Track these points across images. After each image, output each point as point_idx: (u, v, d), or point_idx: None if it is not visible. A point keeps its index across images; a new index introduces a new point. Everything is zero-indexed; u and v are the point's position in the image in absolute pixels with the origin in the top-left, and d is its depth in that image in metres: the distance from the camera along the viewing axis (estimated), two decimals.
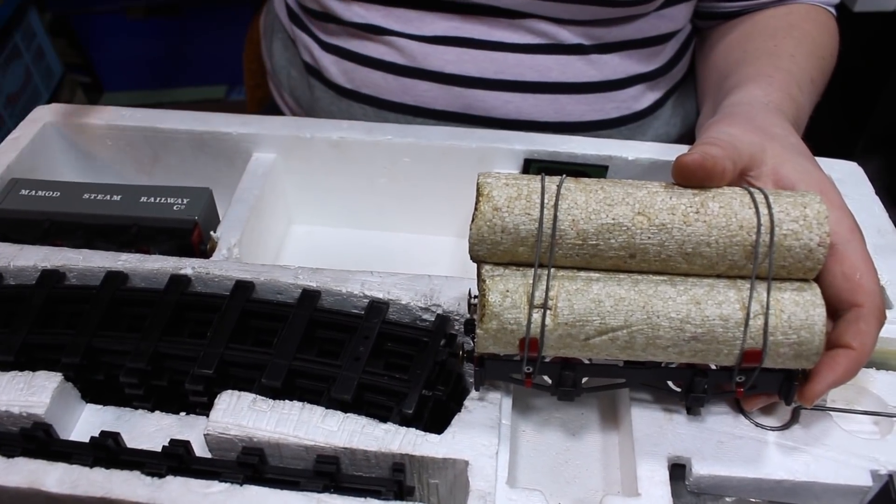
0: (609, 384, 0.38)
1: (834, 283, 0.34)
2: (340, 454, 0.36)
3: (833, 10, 0.59)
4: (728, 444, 0.37)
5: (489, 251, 0.34)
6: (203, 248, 0.49)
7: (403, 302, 0.42)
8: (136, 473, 0.35)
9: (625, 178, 0.36)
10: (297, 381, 0.39)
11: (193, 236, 0.49)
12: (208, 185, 0.53)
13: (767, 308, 0.33)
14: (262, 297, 0.43)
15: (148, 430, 0.40)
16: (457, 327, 0.42)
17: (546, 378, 0.37)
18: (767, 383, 0.35)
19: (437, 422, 0.38)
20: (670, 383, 0.37)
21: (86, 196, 0.51)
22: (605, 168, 0.53)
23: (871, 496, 0.36)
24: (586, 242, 0.33)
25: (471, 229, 0.34)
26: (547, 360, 0.35)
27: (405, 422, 0.37)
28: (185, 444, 0.36)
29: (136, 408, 0.41)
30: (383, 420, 0.37)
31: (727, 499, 0.36)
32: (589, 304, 0.33)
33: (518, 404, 0.42)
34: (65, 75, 1.88)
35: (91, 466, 0.35)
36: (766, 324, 0.32)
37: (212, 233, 0.49)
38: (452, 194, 0.55)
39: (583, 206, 0.33)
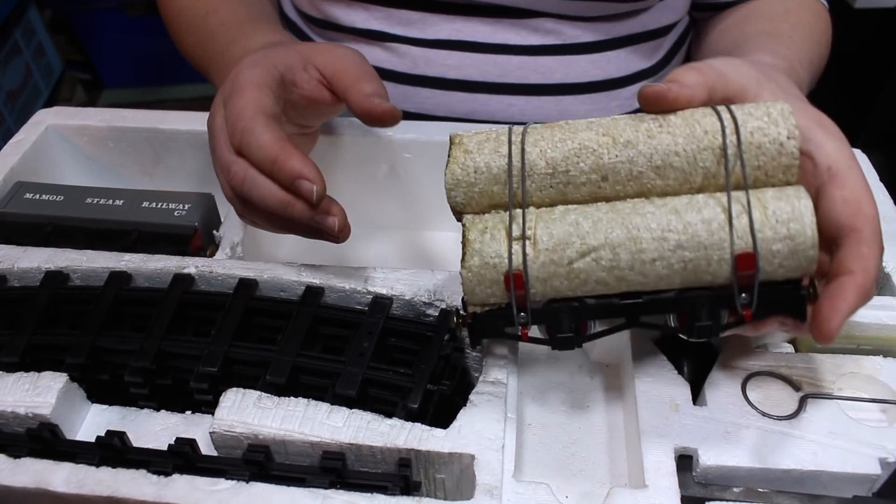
0: (609, 329, 0.36)
1: (833, 208, 0.33)
2: (346, 450, 0.36)
3: (825, 2, 0.59)
4: (734, 434, 0.37)
5: (466, 195, 0.35)
6: (203, 255, 0.49)
7: (407, 297, 0.42)
8: (143, 472, 0.35)
9: None
10: (301, 378, 0.39)
11: (193, 242, 0.49)
12: (210, 184, 0.53)
13: (749, 204, 0.32)
14: (265, 295, 0.43)
15: (153, 428, 0.40)
16: None
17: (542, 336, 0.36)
18: (775, 303, 0.33)
19: (442, 416, 0.38)
20: (671, 321, 0.35)
21: (88, 200, 0.51)
22: None
23: (880, 484, 0.36)
24: (556, 170, 0.34)
25: (445, 175, 0.35)
26: (538, 302, 0.34)
27: (410, 417, 0.37)
28: (191, 443, 0.36)
29: (142, 407, 0.41)
30: (388, 415, 0.37)
31: (734, 489, 0.36)
32: (567, 227, 0.33)
33: (523, 398, 0.42)
34: (65, 72, 1.88)
35: (97, 466, 0.35)
36: (750, 217, 0.32)
37: (214, 231, 0.49)
38: None
39: (549, 137, 0.34)
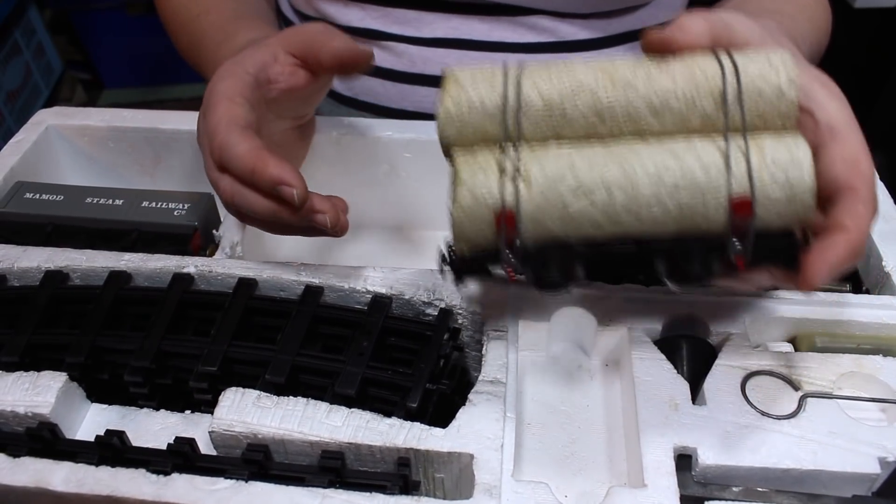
0: (597, 275, 0.36)
1: (832, 166, 0.33)
2: (345, 449, 0.36)
3: None
4: (734, 433, 0.37)
5: (458, 132, 0.33)
6: (203, 254, 0.49)
7: (406, 297, 0.42)
8: (142, 471, 0.35)
9: None
10: (300, 377, 0.39)
11: (192, 242, 0.49)
12: (210, 184, 0.53)
13: (747, 148, 0.31)
14: (264, 294, 0.43)
15: (153, 428, 0.40)
16: (460, 321, 0.42)
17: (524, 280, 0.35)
18: (767, 252, 0.33)
19: (441, 416, 0.38)
20: (661, 269, 0.34)
21: (88, 200, 0.51)
22: None
23: (880, 484, 0.36)
24: (552, 108, 0.33)
25: (438, 110, 0.33)
26: (527, 244, 0.33)
27: (410, 416, 0.37)
28: (191, 442, 0.36)
29: (141, 406, 0.41)
30: (388, 415, 0.37)
31: (734, 488, 0.36)
32: (562, 166, 0.32)
33: (522, 397, 0.42)
34: (65, 72, 1.88)
35: (97, 465, 0.35)
36: (748, 162, 0.31)
37: (214, 231, 0.49)
38: None
39: (545, 74, 0.33)
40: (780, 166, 0.31)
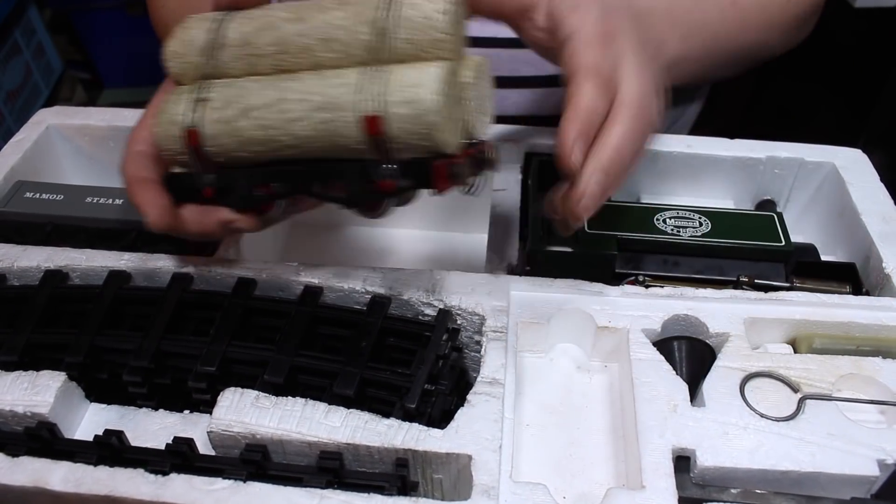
0: (285, 194, 0.39)
1: (573, 46, 0.36)
2: (343, 450, 0.36)
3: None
4: (733, 435, 0.37)
5: (180, 66, 0.39)
6: (202, 254, 0.49)
7: (405, 297, 0.42)
8: (140, 471, 0.35)
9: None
10: (299, 378, 0.39)
11: (192, 242, 0.48)
12: None
13: (386, 71, 0.34)
14: (264, 294, 0.43)
15: (151, 428, 0.40)
16: (459, 322, 0.42)
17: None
18: (414, 175, 0.35)
19: (440, 417, 0.38)
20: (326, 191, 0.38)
21: (88, 199, 0.51)
22: None
23: (878, 486, 0.36)
24: (245, 43, 0.37)
25: (166, 48, 0.39)
26: (219, 163, 0.38)
27: (408, 416, 0.37)
28: (189, 442, 0.36)
29: (140, 406, 0.41)
30: (386, 415, 0.37)
31: (732, 490, 0.36)
32: (237, 90, 0.37)
33: (521, 398, 0.42)
34: (65, 72, 1.88)
35: (95, 465, 0.35)
36: (383, 82, 0.34)
37: None
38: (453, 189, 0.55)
39: (249, 15, 0.38)
40: (407, 86, 0.33)
